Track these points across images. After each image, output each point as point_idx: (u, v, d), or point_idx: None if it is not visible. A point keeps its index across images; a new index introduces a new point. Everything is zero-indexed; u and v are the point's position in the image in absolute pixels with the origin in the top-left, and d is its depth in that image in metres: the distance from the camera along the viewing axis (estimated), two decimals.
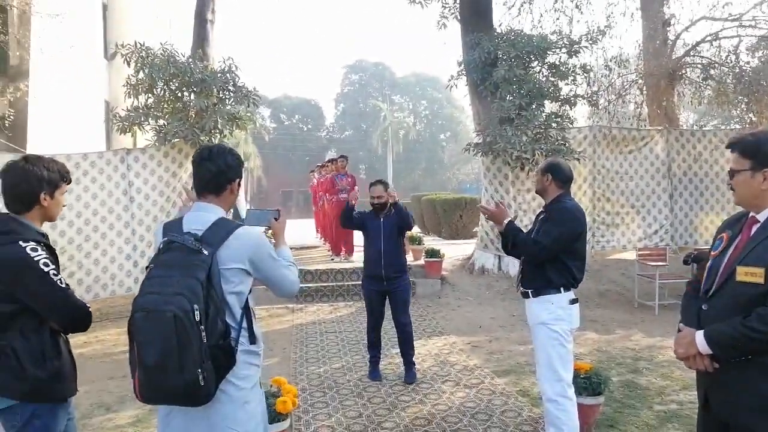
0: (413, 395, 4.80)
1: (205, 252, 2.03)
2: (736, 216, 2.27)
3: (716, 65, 10.92)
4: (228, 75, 8.76)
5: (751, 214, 2.14)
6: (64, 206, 2.45)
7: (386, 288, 5.14)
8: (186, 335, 1.87)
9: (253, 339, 2.15)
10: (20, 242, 2.18)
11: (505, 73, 8.82)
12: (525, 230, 3.56)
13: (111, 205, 8.13)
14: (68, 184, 2.40)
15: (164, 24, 19.01)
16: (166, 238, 2.11)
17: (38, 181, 2.27)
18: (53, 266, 2.21)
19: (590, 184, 9.30)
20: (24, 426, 2.19)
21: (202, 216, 2.16)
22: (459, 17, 10.57)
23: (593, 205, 9.26)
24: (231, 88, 8.76)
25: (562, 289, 3.36)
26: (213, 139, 8.83)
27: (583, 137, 9.40)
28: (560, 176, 3.48)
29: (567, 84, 9.38)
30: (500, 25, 11.01)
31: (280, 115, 54.84)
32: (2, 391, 2.18)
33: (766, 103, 9.88)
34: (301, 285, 8.82)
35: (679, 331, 2.19)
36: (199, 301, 1.92)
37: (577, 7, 11.84)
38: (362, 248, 5.40)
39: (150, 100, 8.67)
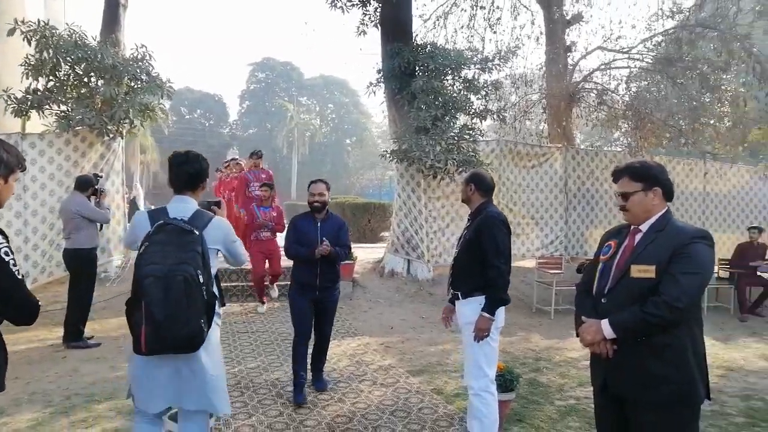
0: (332, 394, 4.87)
1: (196, 232, 2.61)
2: (617, 228, 2.75)
3: (608, 92, 11.95)
4: (141, 63, 8.38)
5: (633, 226, 2.59)
6: (12, 194, 2.36)
7: (318, 298, 4.73)
8: (192, 294, 2.44)
9: (222, 302, 2.86)
10: None
11: (423, 83, 9.13)
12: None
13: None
14: (23, 171, 2.36)
15: (58, 2, 17.64)
16: (160, 221, 2.64)
17: None
18: (12, 256, 2.10)
19: (495, 194, 9.72)
20: None
21: (183, 207, 2.80)
22: (379, 26, 10.79)
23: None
24: (144, 77, 8.38)
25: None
26: (122, 129, 8.40)
27: (491, 150, 9.91)
28: (482, 186, 3.77)
29: (479, 98, 9.83)
30: (416, 37, 11.35)
31: (181, 108, 52.63)
32: None
33: (649, 129, 10.89)
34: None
35: (582, 323, 2.54)
36: (200, 268, 2.49)
37: (490, 26, 12.54)
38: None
39: (51, 83, 8.09)
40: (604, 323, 2.41)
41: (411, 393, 4.96)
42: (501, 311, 3.64)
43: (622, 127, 12.01)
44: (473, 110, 9.66)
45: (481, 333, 3.52)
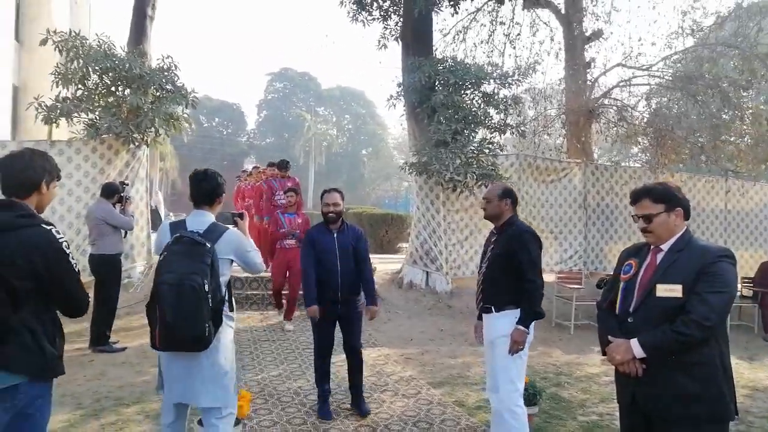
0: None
1: (208, 245, 2.86)
2: (636, 247, 2.79)
3: (628, 108, 11.96)
4: (167, 73, 8.56)
5: (653, 246, 2.63)
6: (51, 201, 2.60)
7: (340, 311, 4.58)
8: (199, 300, 2.71)
9: (231, 307, 3.09)
10: (43, 225, 2.33)
11: (443, 98, 9.21)
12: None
13: None
14: (59, 180, 2.58)
15: (83, 10, 18.00)
16: (177, 234, 2.92)
17: (42, 170, 2.42)
18: (70, 250, 2.37)
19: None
20: (27, 406, 2.26)
21: (201, 220, 3.07)
22: (400, 40, 10.92)
23: None
24: (169, 87, 8.54)
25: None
26: (147, 138, 8.56)
27: (510, 164, 9.93)
28: (515, 200, 3.83)
29: (498, 113, 9.85)
30: (436, 51, 11.47)
31: (200, 117, 53.16)
32: (17, 368, 2.23)
33: (669, 146, 10.87)
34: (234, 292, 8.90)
35: (609, 342, 2.59)
36: (207, 278, 2.76)
37: (510, 42, 12.63)
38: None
39: (80, 92, 8.28)
40: (634, 343, 2.44)
41: (433, 404, 4.99)
42: (532, 325, 3.65)
43: (642, 143, 12.03)
44: (492, 124, 9.71)
45: (517, 346, 3.53)
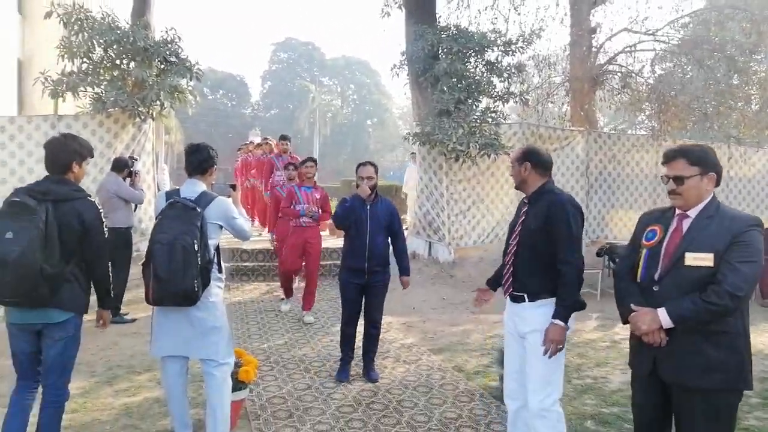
0: (357, 369, 5.04)
1: (198, 210, 3.18)
2: (659, 211, 2.68)
3: (633, 75, 11.86)
4: (170, 46, 8.56)
5: (679, 211, 2.53)
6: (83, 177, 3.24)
7: (366, 281, 4.75)
8: (189, 259, 3.03)
9: (219, 269, 3.39)
10: (89, 197, 3.09)
11: (447, 66, 9.14)
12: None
13: (40, 172, 7.76)
14: (91, 158, 3.25)
15: None
16: (171, 200, 3.25)
17: (73, 152, 3.05)
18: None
19: None
20: (73, 335, 3.04)
21: (193, 189, 3.35)
22: (404, 7, 10.81)
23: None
24: (173, 59, 8.56)
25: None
26: (152, 111, 8.62)
27: (513, 133, 9.88)
28: (540, 163, 3.12)
29: (501, 81, 9.78)
30: (439, 18, 11.32)
31: (204, 89, 52.82)
32: (70, 307, 2.97)
33: (673, 113, 10.80)
34: (238, 264, 8.89)
35: (631, 310, 2.50)
36: (196, 239, 3.07)
37: (515, 8, 12.43)
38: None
39: (85, 66, 8.32)
40: (662, 312, 2.39)
41: (433, 370, 5.17)
42: (572, 317, 3.00)
43: (646, 111, 11.92)
44: (496, 93, 9.66)
45: (556, 346, 2.89)
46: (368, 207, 4.72)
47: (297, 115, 51.81)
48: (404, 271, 4.95)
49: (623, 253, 2.79)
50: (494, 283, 3.37)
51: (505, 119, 9.86)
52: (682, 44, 11.41)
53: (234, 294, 7.98)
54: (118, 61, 8.39)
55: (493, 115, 9.46)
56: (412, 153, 11.86)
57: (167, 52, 8.47)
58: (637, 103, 11.47)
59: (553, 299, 2.97)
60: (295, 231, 6.66)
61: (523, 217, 3.14)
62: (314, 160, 6.89)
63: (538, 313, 3.00)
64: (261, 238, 9.97)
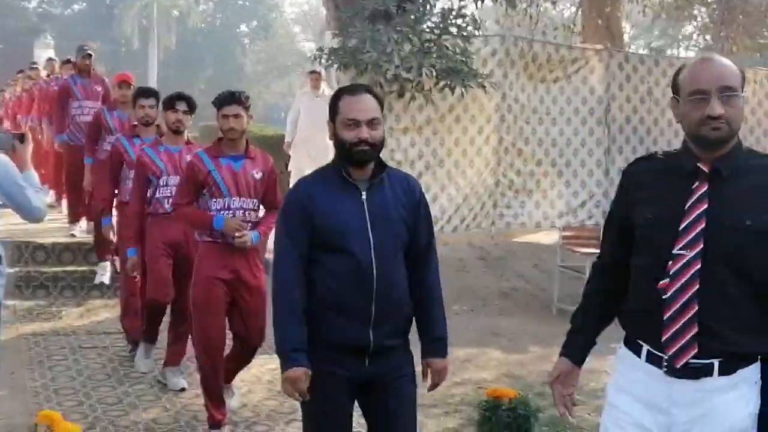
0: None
1: None
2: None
3: None
4: None
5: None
6: None
7: (366, 376, 2.26)
8: None
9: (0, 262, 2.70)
10: None
11: None
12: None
13: None
14: None
15: None
16: None
17: None
18: None
19: (496, 126, 7.07)
20: None
21: None
22: None
23: (497, 160, 7.13)
24: None
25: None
26: None
27: (491, 53, 7.20)
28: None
29: None
30: None
31: None
32: None
33: (742, 24, 7.98)
34: (31, 269, 6.57)
35: None
36: None
37: None
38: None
39: None
40: None
41: None
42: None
43: (699, 18, 9.04)
44: None
45: None
46: (363, 195, 2.20)
47: (117, 14, 33.12)
48: (436, 345, 2.35)
49: None
50: (582, 350, 1.98)
51: (478, 29, 7.17)
52: None
53: (26, 320, 5.79)
54: None
55: (460, 21, 6.92)
56: (312, 74, 8.08)
57: None
58: (687, 7, 8.52)
59: (755, 367, 1.73)
60: (154, 224, 4.16)
61: (705, 205, 1.78)
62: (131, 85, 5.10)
63: (738, 395, 1.70)
64: (61, 222, 6.91)
